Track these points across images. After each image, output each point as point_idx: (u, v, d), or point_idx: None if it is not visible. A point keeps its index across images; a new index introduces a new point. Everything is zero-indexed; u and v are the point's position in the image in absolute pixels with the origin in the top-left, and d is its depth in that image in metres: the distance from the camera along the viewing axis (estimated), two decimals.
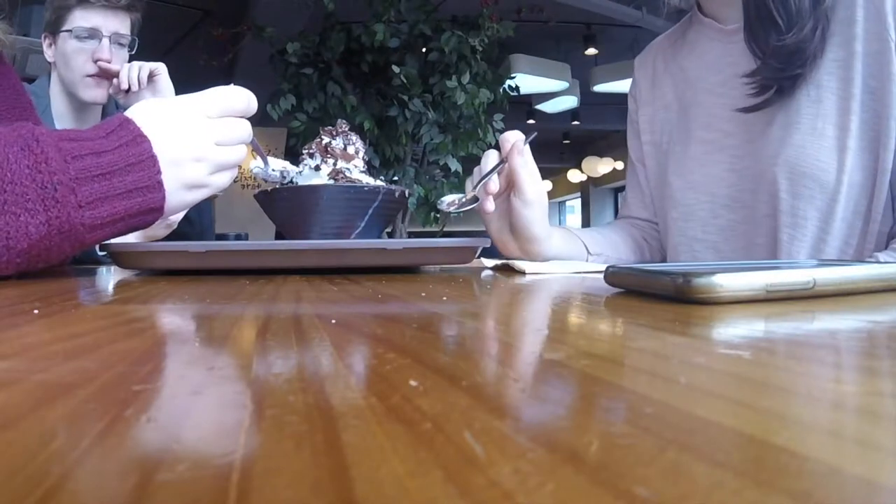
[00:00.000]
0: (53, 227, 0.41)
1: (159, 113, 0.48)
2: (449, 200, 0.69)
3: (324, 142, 0.72)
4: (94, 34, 1.05)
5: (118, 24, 1.08)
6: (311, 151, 0.72)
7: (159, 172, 0.46)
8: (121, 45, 1.09)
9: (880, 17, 0.62)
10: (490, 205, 0.67)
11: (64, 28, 1.06)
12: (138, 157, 0.45)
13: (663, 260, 0.86)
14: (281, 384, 0.14)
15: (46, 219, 0.41)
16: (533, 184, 0.67)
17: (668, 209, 0.79)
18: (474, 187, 0.67)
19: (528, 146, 0.68)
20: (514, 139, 0.67)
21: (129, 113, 0.48)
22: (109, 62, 1.04)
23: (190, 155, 0.48)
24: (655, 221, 0.86)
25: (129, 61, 1.08)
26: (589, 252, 0.77)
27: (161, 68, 1.04)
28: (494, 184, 0.67)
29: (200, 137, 0.49)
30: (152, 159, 0.46)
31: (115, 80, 1.05)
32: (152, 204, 0.46)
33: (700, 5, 0.79)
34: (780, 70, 0.65)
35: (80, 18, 1.05)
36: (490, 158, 0.68)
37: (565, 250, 0.74)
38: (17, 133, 0.42)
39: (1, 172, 0.40)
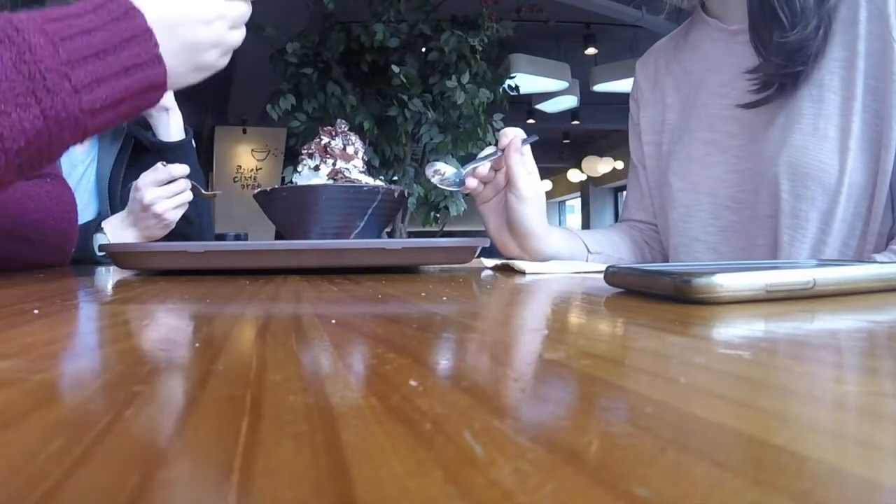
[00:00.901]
0: (50, 119, 0.39)
1: None
2: (438, 167, 0.70)
3: (323, 142, 0.72)
4: None
5: None
6: (310, 151, 0.72)
7: (156, 45, 0.43)
8: None
9: (882, 17, 0.62)
10: (473, 182, 0.69)
11: None
12: (132, 31, 0.42)
13: (664, 261, 0.86)
14: (281, 384, 0.14)
15: (41, 111, 0.38)
16: (528, 180, 0.68)
17: (668, 210, 0.79)
18: (465, 170, 0.69)
19: (528, 146, 0.68)
20: (512, 135, 0.68)
21: None
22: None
23: (196, 15, 0.46)
24: (656, 223, 0.86)
25: None
26: (589, 251, 0.78)
27: None
28: (484, 168, 0.68)
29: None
30: (147, 33, 0.43)
31: None
32: (153, 80, 0.43)
33: (704, 4, 0.79)
34: (782, 66, 0.65)
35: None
36: (487, 150, 0.70)
37: (564, 248, 0.74)
38: None
39: None
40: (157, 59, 0.43)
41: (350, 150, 0.72)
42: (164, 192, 0.89)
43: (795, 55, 0.64)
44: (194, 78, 0.48)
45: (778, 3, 0.64)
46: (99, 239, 0.90)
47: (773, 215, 0.67)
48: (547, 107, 5.73)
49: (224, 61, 0.51)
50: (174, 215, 0.91)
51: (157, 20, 0.43)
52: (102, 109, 0.41)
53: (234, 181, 6.13)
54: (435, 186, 0.69)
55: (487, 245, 0.63)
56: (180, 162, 1.07)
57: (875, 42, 0.63)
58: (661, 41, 0.89)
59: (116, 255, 0.54)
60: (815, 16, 0.63)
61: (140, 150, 1.13)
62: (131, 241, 0.91)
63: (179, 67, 0.46)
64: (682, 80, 0.81)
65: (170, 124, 1.04)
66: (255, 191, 0.70)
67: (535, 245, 0.70)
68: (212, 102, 5.83)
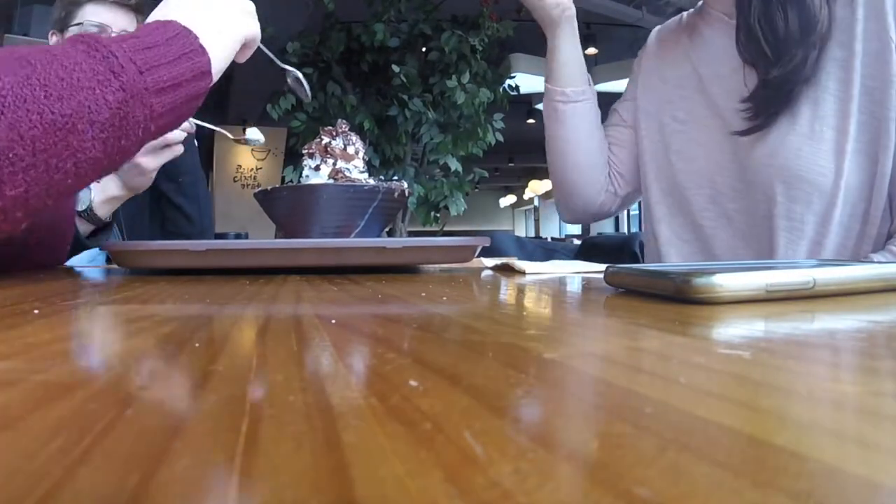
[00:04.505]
0: (128, 92, 0.43)
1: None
2: None
3: (324, 142, 0.72)
4: (103, 30, 1.06)
5: (126, 22, 1.09)
6: (311, 151, 0.72)
7: (197, 38, 0.50)
8: None
9: (880, 17, 0.62)
10: None
11: (74, 23, 1.06)
12: (174, 31, 0.48)
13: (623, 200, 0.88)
14: (281, 384, 0.14)
15: (120, 85, 0.42)
16: None
17: (667, 191, 0.79)
18: None
19: None
20: None
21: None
22: None
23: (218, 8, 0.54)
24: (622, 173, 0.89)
25: None
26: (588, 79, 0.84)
27: None
28: None
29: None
30: (186, 30, 0.49)
31: None
32: (202, 67, 0.50)
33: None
34: (771, 99, 0.66)
35: (91, 14, 1.06)
36: None
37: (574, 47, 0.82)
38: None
39: (64, 59, 0.41)
40: (202, 49, 0.50)
41: (351, 150, 0.72)
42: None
43: (783, 87, 0.65)
44: (234, 49, 0.56)
45: (762, 31, 0.65)
46: (81, 197, 0.88)
47: (769, 216, 0.67)
48: None
49: (255, 25, 0.59)
50: (154, 163, 0.91)
51: (189, 22, 0.50)
52: (164, 90, 0.46)
53: (234, 181, 6.13)
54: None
55: (487, 244, 0.63)
56: (182, 157, 1.07)
57: (872, 42, 0.63)
58: (675, 19, 0.90)
59: (117, 255, 0.54)
60: (801, 46, 0.63)
61: None
62: (116, 193, 0.90)
63: (218, 52, 0.53)
64: (684, 64, 0.82)
65: None
66: (256, 190, 0.70)
67: None
68: (212, 102, 5.82)
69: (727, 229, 0.73)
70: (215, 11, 0.54)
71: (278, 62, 0.70)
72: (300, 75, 0.71)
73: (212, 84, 0.52)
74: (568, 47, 0.80)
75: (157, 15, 0.52)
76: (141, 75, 0.44)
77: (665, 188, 0.80)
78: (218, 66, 0.53)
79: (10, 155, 0.37)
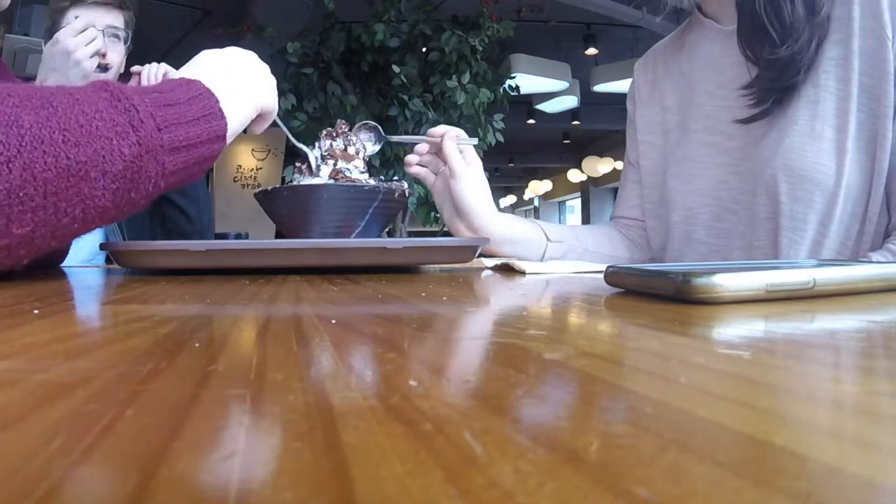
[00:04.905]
0: (143, 147, 0.43)
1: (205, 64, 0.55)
2: (362, 137, 0.79)
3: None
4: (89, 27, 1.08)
5: (111, 19, 1.11)
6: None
7: (218, 102, 0.50)
8: (116, 37, 1.11)
9: (876, 14, 0.62)
10: (413, 158, 0.81)
11: (61, 27, 1.08)
12: (196, 91, 0.49)
13: (648, 258, 0.86)
14: (281, 384, 0.14)
15: (137, 139, 0.43)
16: (459, 160, 0.76)
17: (669, 212, 0.79)
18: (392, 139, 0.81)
19: (470, 148, 0.78)
20: (445, 129, 0.78)
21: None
22: (104, 54, 1.08)
23: (240, 73, 0.56)
24: (643, 220, 0.87)
25: (128, 56, 1.11)
26: (549, 239, 0.80)
27: (173, 72, 1.07)
28: (422, 147, 0.80)
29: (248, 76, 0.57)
30: (208, 92, 0.50)
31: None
32: (218, 131, 0.50)
33: (699, 5, 0.79)
34: (775, 80, 0.65)
35: (74, 15, 1.08)
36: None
37: (517, 232, 0.78)
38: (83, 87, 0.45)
39: (86, 105, 0.41)
40: (220, 113, 0.50)
41: (351, 150, 0.72)
42: (84, 38, 1.00)
43: (787, 69, 0.64)
44: (249, 117, 0.57)
45: (767, 17, 0.64)
46: None
47: (772, 217, 0.67)
48: (547, 107, 5.73)
49: (274, 99, 0.61)
50: (91, 64, 1.01)
51: (212, 84, 0.51)
52: (178, 150, 0.46)
53: (235, 181, 6.13)
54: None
55: (488, 245, 0.63)
56: None
57: (869, 40, 0.63)
58: (661, 42, 0.89)
59: (117, 255, 0.54)
60: (806, 28, 0.63)
61: None
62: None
63: (235, 119, 0.54)
64: (680, 81, 0.81)
65: None
66: (256, 190, 0.70)
67: (480, 224, 0.76)
68: None
69: (731, 244, 0.73)
70: (239, 79, 0.55)
71: (293, 140, 0.73)
72: (310, 153, 0.73)
73: (224, 147, 0.53)
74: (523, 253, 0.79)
75: (184, 72, 0.53)
76: (159, 132, 0.44)
77: (669, 212, 0.80)
78: (233, 131, 0.53)
79: (21, 194, 0.37)
